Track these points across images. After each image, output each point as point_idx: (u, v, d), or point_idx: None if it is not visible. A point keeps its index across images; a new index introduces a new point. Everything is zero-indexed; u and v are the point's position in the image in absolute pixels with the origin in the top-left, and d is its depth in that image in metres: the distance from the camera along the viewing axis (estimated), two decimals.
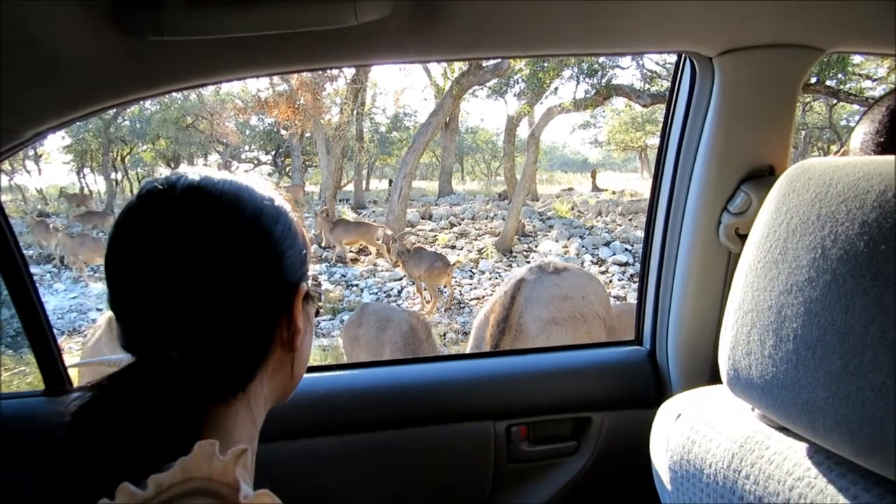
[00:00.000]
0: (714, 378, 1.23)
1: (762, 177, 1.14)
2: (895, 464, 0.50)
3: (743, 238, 1.15)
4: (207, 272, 0.63)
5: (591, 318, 4.21)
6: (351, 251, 12.03)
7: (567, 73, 14.41)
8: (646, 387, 1.36)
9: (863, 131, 0.78)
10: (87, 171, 26.93)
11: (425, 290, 9.37)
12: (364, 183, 23.98)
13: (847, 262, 0.53)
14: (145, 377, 0.65)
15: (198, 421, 0.65)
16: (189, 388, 0.64)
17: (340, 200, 19.18)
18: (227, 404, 0.68)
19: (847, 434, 0.53)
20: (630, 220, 13.69)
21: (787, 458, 0.64)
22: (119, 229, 0.64)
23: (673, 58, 1.29)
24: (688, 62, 1.19)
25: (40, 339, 1.29)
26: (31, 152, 24.39)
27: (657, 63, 14.25)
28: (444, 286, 9.48)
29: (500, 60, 12.83)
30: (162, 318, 0.63)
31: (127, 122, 23.72)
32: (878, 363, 0.50)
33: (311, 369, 1.31)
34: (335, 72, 15.50)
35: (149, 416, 0.62)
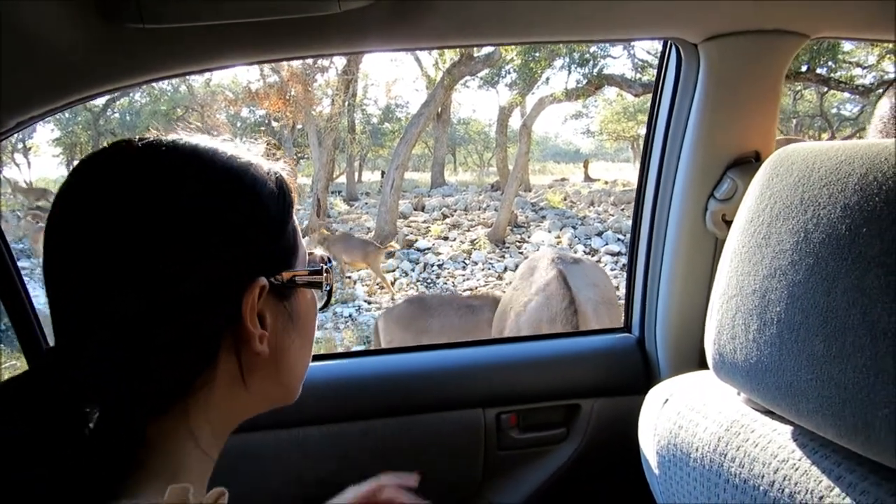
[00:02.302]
0: (702, 364, 1.23)
1: (748, 163, 1.15)
2: (877, 444, 0.51)
3: (729, 224, 1.15)
4: (110, 242, 0.54)
5: (613, 301, 4.24)
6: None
7: (558, 62, 14.40)
8: (634, 373, 1.37)
9: (888, 106, 0.78)
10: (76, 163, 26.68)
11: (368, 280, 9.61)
12: (356, 175, 23.90)
13: (829, 246, 0.54)
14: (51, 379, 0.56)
15: (130, 439, 0.56)
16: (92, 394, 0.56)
17: (333, 192, 19.11)
18: (158, 420, 0.58)
19: (830, 416, 0.54)
20: (622, 209, 13.70)
21: (772, 440, 0.65)
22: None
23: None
24: (673, 49, 1.19)
25: (28, 332, 1.28)
26: (19, 145, 24.17)
27: (648, 52, 14.28)
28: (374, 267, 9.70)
29: (491, 50, 12.81)
30: (65, 301, 0.55)
31: (117, 115, 23.55)
32: (860, 345, 0.51)
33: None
34: (326, 63, 15.43)
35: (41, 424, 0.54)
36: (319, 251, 0.73)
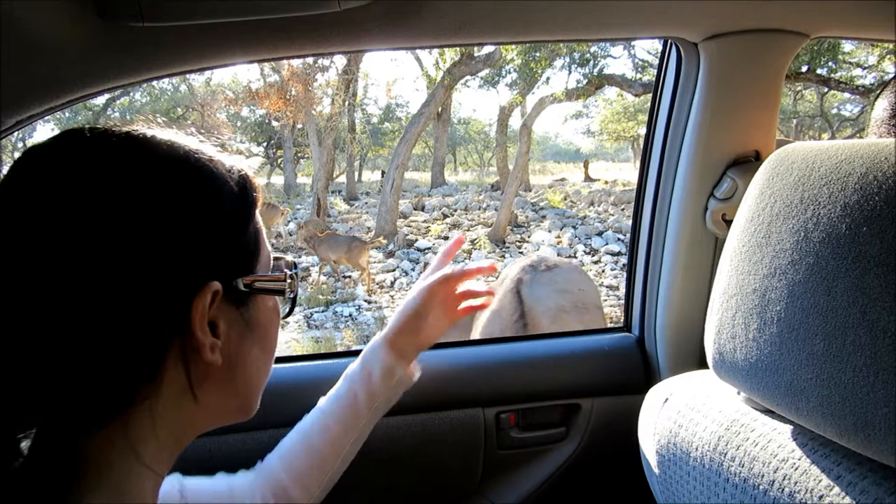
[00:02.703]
0: (702, 363, 1.23)
1: (748, 162, 1.15)
2: (877, 444, 0.51)
3: (729, 224, 1.15)
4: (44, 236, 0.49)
5: (591, 308, 4.20)
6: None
7: (559, 62, 14.44)
8: (634, 373, 1.37)
9: (882, 108, 0.78)
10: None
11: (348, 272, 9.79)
12: (356, 174, 23.93)
13: (829, 245, 0.54)
14: None
15: (65, 456, 0.51)
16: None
17: (333, 192, 19.14)
18: (96, 435, 0.52)
19: (830, 415, 0.54)
20: (622, 209, 13.72)
21: (771, 440, 0.65)
22: None
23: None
24: (673, 48, 1.19)
25: None
26: (19, 144, 24.19)
27: (648, 52, 14.29)
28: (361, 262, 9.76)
29: (491, 50, 12.82)
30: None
31: (117, 114, 23.56)
32: (860, 344, 0.51)
33: (299, 358, 1.31)
34: (326, 62, 15.45)
35: None
36: (289, 257, 0.70)
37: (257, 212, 0.64)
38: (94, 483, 0.51)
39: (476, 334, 4.15)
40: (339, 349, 7.02)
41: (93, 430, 0.52)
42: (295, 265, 0.69)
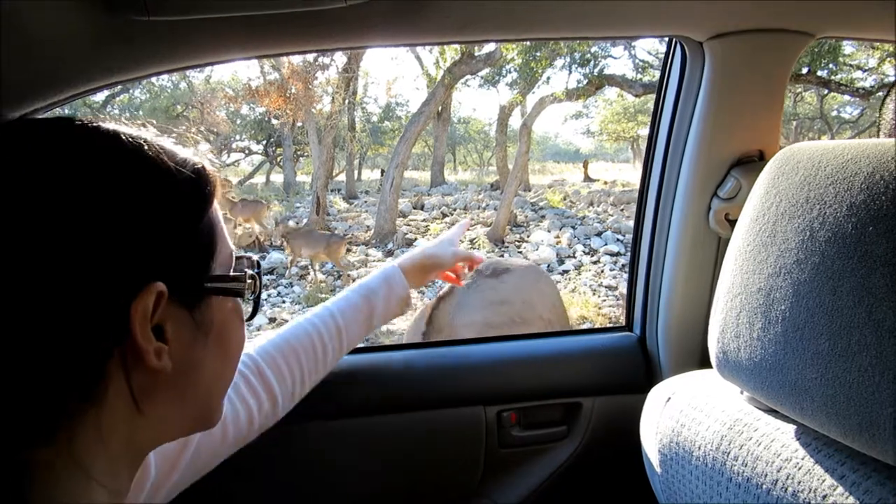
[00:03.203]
0: (703, 363, 1.23)
1: (752, 162, 1.15)
2: (881, 443, 0.51)
3: (732, 223, 1.15)
4: None
5: (532, 321, 4.02)
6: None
7: (559, 62, 14.41)
8: (636, 372, 1.37)
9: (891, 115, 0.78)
10: None
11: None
12: (356, 173, 23.95)
13: (835, 244, 0.54)
14: None
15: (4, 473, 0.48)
16: None
17: (332, 190, 19.14)
18: (39, 450, 0.49)
19: (834, 415, 0.54)
20: (622, 210, 13.71)
21: (775, 439, 0.65)
22: None
23: (664, 47, 1.29)
24: (678, 47, 1.19)
25: None
26: None
27: (649, 52, 14.29)
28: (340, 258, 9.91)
29: (492, 49, 12.81)
30: None
31: (116, 111, 23.53)
32: (865, 344, 0.51)
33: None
34: (326, 60, 15.44)
35: None
36: (254, 255, 0.66)
37: (214, 207, 0.60)
38: (41, 499, 0.48)
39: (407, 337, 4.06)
40: None
41: (36, 444, 0.49)
42: (258, 264, 0.65)
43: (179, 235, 0.55)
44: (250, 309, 0.66)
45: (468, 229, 11.94)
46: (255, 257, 0.65)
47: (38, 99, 0.83)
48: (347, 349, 1.10)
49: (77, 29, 0.76)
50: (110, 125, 0.55)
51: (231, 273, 0.61)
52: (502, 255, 10.88)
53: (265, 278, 9.70)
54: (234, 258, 0.63)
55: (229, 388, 0.88)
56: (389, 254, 11.07)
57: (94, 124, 0.54)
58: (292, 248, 9.82)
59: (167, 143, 0.58)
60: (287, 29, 0.89)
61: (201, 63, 0.94)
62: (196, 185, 0.57)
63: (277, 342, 1.02)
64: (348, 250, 10.64)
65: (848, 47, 12.88)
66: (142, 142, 0.54)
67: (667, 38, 1.22)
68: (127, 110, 23.50)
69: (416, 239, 11.84)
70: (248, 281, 0.61)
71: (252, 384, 0.96)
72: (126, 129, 0.55)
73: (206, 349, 0.58)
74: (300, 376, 1.02)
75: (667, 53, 1.25)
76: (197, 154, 0.60)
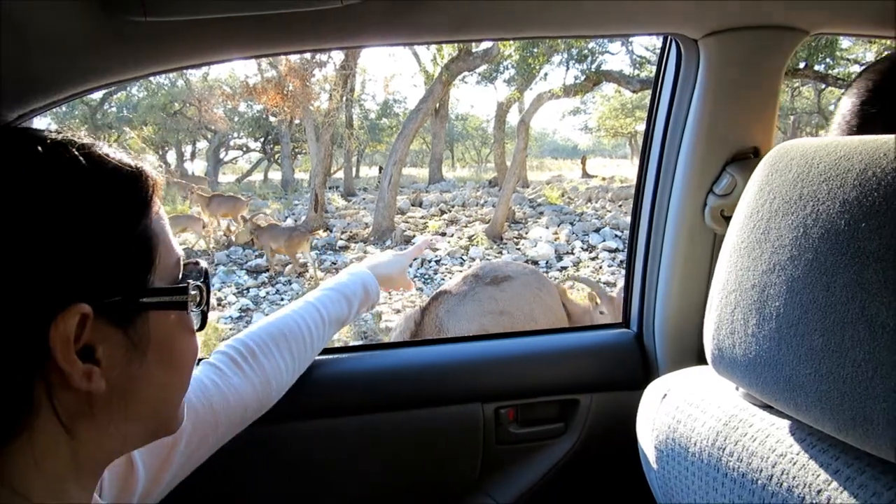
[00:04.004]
0: (700, 359, 1.24)
1: (747, 159, 1.15)
2: (875, 438, 0.51)
3: (728, 220, 1.16)
4: None
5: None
6: (341, 239, 12.03)
7: (557, 58, 14.39)
8: (632, 369, 1.37)
9: (845, 108, 0.77)
10: None
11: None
12: (354, 170, 23.93)
13: (828, 241, 0.54)
14: None
15: None
16: None
17: (330, 188, 19.12)
18: None
19: (828, 410, 0.54)
20: (620, 206, 13.71)
21: (770, 435, 0.65)
22: None
23: (661, 43, 1.29)
24: (673, 45, 1.19)
25: None
26: None
27: (646, 48, 14.29)
28: (303, 252, 10.08)
29: (489, 46, 12.78)
30: None
31: (114, 109, 23.52)
32: (858, 339, 0.51)
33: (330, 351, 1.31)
34: (324, 57, 15.41)
35: None
36: (203, 262, 0.62)
37: (154, 214, 0.55)
38: None
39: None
40: (337, 346, 6.98)
41: None
42: (205, 273, 0.60)
43: (107, 249, 0.50)
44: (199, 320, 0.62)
45: (468, 228, 11.94)
46: (204, 264, 0.61)
47: (36, 99, 0.83)
48: (325, 343, 1.13)
49: (75, 29, 0.77)
50: (35, 130, 0.52)
51: (172, 286, 0.56)
52: (501, 253, 10.88)
53: (263, 276, 9.70)
54: (181, 266, 0.59)
55: (211, 376, 0.90)
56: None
57: (25, 128, 0.52)
58: (261, 244, 10.01)
59: (101, 146, 0.54)
60: (284, 29, 0.89)
61: (199, 63, 0.94)
62: (129, 192, 0.53)
63: (270, 330, 1.02)
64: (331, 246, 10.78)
65: (845, 42, 12.89)
66: (63, 146, 0.50)
67: (662, 36, 1.22)
68: (124, 108, 23.46)
69: (413, 236, 11.84)
70: (193, 292, 0.57)
71: (243, 369, 0.95)
72: (52, 134, 0.51)
73: (146, 366, 0.54)
74: (292, 365, 1.03)
75: (662, 51, 1.25)
76: (136, 158, 0.56)
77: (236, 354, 0.97)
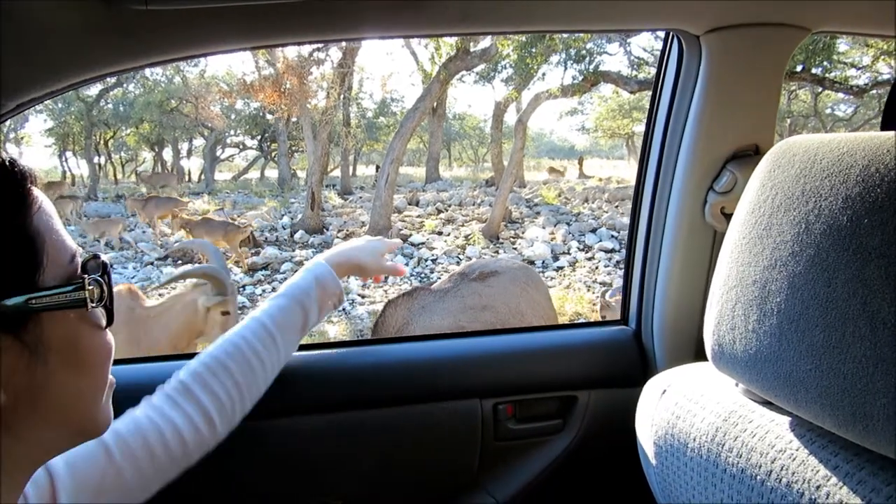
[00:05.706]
0: (699, 356, 1.24)
1: (748, 156, 1.15)
2: (875, 434, 0.51)
3: (728, 217, 1.16)
4: None
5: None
6: (338, 237, 12.03)
7: (555, 58, 14.40)
8: (631, 366, 1.38)
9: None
10: (69, 154, 26.53)
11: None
12: (351, 168, 23.92)
13: (830, 237, 0.54)
14: None
15: None
16: None
17: (327, 186, 19.11)
18: None
19: (829, 406, 0.54)
20: (616, 206, 13.73)
21: (769, 431, 0.65)
22: None
23: (659, 44, 1.29)
24: (675, 41, 1.19)
25: None
26: (10, 135, 24.01)
27: (644, 49, 14.31)
28: (241, 246, 10.39)
29: (487, 45, 12.79)
30: None
31: (110, 105, 23.47)
32: (859, 335, 0.51)
33: (320, 346, 1.31)
34: (321, 55, 15.39)
35: None
36: (104, 256, 0.58)
37: (37, 210, 0.52)
38: None
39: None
40: (333, 341, 6.98)
41: None
42: (104, 267, 0.56)
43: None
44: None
45: (464, 228, 11.95)
46: (104, 257, 0.57)
47: (35, 88, 0.83)
48: (287, 355, 1.07)
49: (75, 18, 0.76)
50: None
51: (63, 284, 0.52)
52: (497, 252, 10.89)
53: (260, 274, 9.69)
54: (77, 262, 0.55)
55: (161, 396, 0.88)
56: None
57: None
58: (194, 237, 10.16)
59: None
60: (285, 19, 0.89)
61: (199, 53, 0.94)
62: (5, 189, 0.49)
63: (206, 361, 0.97)
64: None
65: (842, 45, 12.94)
66: None
67: (663, 33, 1.22)
68: (120, 104, 23.39)
69: (410, 235, 11.84)
70: (90, 287, 0.53)
71: (179, 404, 0.91)
72: None
73: (50, 369, 0.51)
74: (237, 392, 0.97)
75: (663, 47, 1.25)
76: (3, 151, 0.52)
77: (173, 392, 0.93)
